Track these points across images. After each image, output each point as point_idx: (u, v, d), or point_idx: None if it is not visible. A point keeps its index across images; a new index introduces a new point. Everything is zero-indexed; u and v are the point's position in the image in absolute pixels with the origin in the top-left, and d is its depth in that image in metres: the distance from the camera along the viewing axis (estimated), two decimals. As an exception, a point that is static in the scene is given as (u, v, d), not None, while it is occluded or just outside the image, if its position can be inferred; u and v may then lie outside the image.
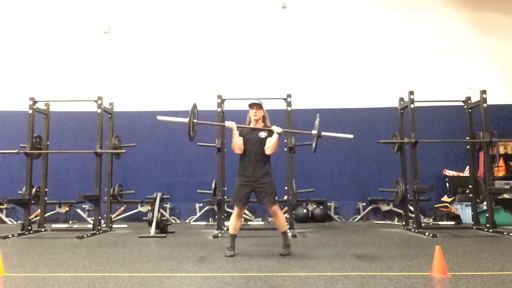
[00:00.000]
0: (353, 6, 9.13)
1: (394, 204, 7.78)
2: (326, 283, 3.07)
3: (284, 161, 6.52)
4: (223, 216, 6.46)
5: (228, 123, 4.45)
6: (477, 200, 6.66)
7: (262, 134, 4.42)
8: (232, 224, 4.45)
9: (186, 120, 4.32)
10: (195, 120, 4.44)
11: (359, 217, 8.30)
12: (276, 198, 4.44)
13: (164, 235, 6.04)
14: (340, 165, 8.61)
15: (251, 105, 4.51)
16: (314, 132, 4.30)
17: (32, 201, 6.69)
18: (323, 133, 4.31)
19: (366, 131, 8.44)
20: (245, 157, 4.42)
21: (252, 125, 4.50)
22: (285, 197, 6.44)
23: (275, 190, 4.41)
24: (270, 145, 4.35)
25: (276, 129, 4.38)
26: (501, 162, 7.94)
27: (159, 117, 4.52)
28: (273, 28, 9.07)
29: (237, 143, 4.38)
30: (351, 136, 4.49)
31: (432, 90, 8.06)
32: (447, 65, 8.81)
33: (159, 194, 6.69)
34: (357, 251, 4.61)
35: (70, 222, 7.96)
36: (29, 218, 6.52)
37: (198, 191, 7.84)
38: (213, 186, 6.95)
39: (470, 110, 6.85)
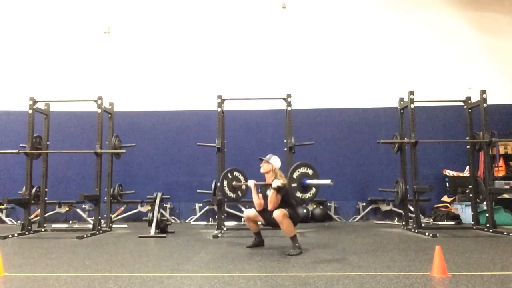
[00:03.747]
0: (353, 6, 9.13)
1: (394, 204, 7.78)
2: (326, 283, 3.06)
3: (284, 161, 6.50)
4: (223, 216, 6.47)
5: (248, 183, 4.89)
6: (477, 200, 6.66)
7: (268, 192, 4.62)
8: (248, 225, 4.94)
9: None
10: (234, 182, 5.14)
11: (359, 217, 8.30)
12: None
13: (164, 235, 6.04)
14: (340, 165, 8.59)
15: (260, 159, 4.84)
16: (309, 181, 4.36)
17: (32, 201, 6.69)
18: (308, 181, 4.31)
19: (366, 131, 8.46)
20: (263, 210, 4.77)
21: (266, 179, 4.76)
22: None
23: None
24: (269, 202, 4.54)
25: (273, 183, 4.48)
26: (501, 162, 7.94)
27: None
28: (273, 28, 9.07)
29: (255, 202, 4.79)
30: (329, 181, 4.30)
31: (432, 90, 8.06)
32: (447, 65, 8.81)
33: (159, 194, 6.69)
34: (357, 251, 4.61)
35: (70, 222, 7.97)
36: (29, 218, 6.52)
37: (198, 191, 7.83)
38: (213, 186, 6.95)
39: (470, 110, 6.85)
